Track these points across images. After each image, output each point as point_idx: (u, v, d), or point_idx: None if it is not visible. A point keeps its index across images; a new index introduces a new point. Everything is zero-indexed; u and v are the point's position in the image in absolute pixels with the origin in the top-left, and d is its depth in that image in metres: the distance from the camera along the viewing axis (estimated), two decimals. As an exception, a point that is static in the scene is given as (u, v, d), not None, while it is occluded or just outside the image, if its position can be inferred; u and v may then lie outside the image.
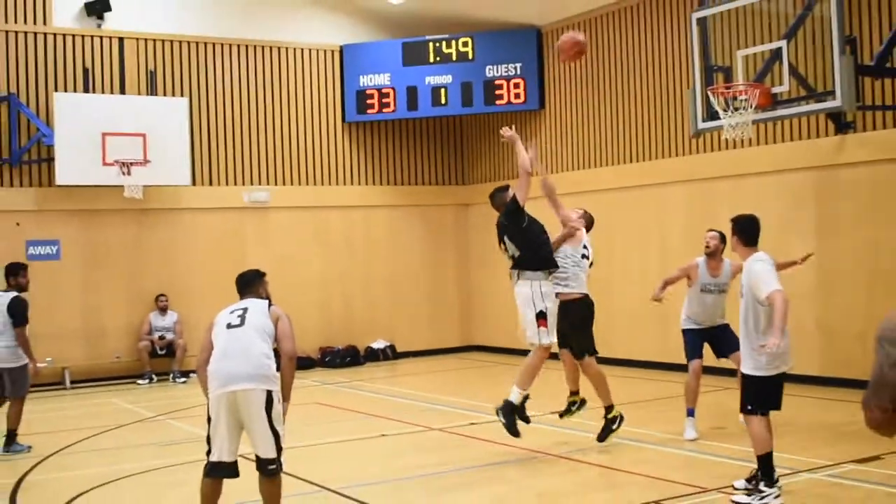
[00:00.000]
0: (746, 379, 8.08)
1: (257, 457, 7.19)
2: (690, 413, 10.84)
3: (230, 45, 19.16)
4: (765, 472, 7.87)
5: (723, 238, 10.76)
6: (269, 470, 7.19)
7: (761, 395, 7.97)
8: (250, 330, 7.26)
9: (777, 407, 8.07)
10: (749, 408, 8.00)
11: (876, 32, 13.44)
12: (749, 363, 7.99)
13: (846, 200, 13.85)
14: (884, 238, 13.12)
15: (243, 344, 7.17)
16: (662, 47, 16.83)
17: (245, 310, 7.39)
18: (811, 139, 14.43)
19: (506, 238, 10.15)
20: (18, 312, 11.39)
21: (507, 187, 10.61)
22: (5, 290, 11.77)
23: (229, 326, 7.28)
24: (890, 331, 3.52)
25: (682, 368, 15.66)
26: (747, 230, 8.35)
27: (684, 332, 11.18)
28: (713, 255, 10.94)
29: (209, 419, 7.22)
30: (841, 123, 13.48)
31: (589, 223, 11.40)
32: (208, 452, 7.24)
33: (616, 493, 8.64)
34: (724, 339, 10.96)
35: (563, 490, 8.90)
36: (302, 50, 19.85)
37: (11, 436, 11.44)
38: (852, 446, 9.73)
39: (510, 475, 9.60)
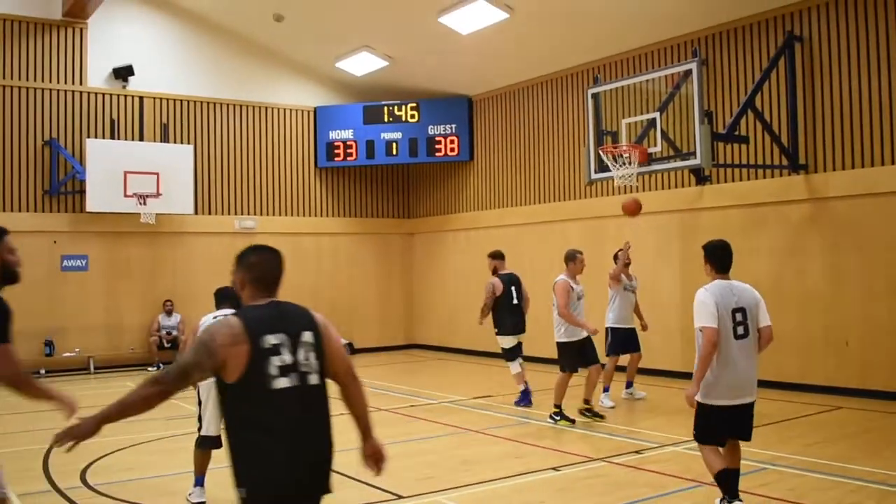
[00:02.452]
0: (697, 405, 6.35)
1: None
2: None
3: (227, 105, 19.03)
4: (723, 490, 6.29)
5: None
6: None
7: (701, 425, 6.37)
8: None
9: (720, 441, 6.37)
10: (694, 433, 6.47)
11: (728, 107, 13.72)
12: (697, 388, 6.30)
13: (704, 237, 13.94)
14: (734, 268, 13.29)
15: None
16: (566, 114, 17.00)
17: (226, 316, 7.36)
18: (677, 188, 14.65)
19: None
20: None
21: None
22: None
23: None
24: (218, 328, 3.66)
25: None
26: (708, 256, 6.90)
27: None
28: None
29: (199, 401, 7.21)
30: (700, 177, 13.70)
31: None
32: (199, 429, 7.23)
33: (524, 460, 8.65)
34: None
35: (482, 457, 8.90)
36: (284, 110, 19.77)
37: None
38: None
39: (441, 446, 9.59)
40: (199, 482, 7.27)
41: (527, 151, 17.96)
